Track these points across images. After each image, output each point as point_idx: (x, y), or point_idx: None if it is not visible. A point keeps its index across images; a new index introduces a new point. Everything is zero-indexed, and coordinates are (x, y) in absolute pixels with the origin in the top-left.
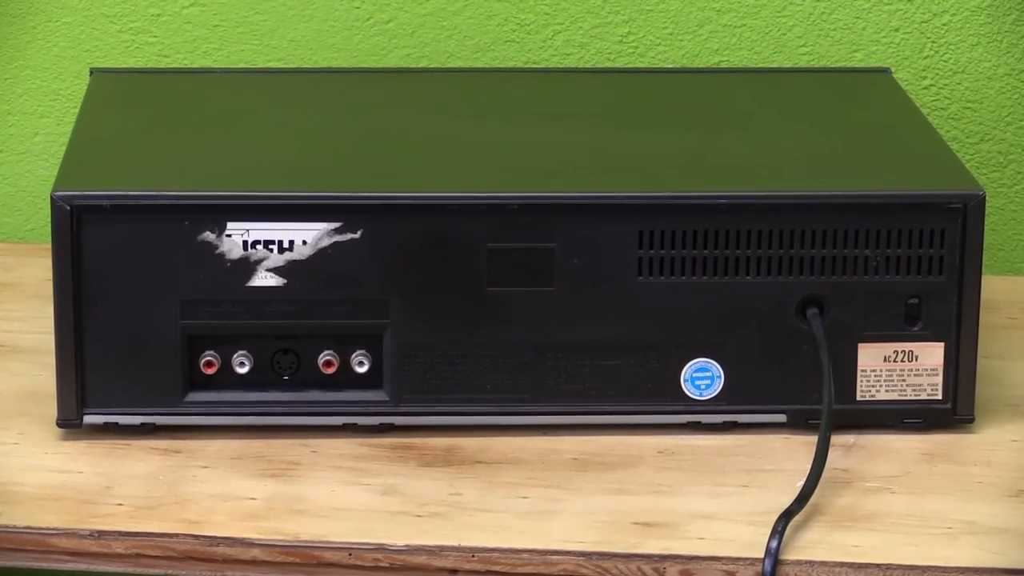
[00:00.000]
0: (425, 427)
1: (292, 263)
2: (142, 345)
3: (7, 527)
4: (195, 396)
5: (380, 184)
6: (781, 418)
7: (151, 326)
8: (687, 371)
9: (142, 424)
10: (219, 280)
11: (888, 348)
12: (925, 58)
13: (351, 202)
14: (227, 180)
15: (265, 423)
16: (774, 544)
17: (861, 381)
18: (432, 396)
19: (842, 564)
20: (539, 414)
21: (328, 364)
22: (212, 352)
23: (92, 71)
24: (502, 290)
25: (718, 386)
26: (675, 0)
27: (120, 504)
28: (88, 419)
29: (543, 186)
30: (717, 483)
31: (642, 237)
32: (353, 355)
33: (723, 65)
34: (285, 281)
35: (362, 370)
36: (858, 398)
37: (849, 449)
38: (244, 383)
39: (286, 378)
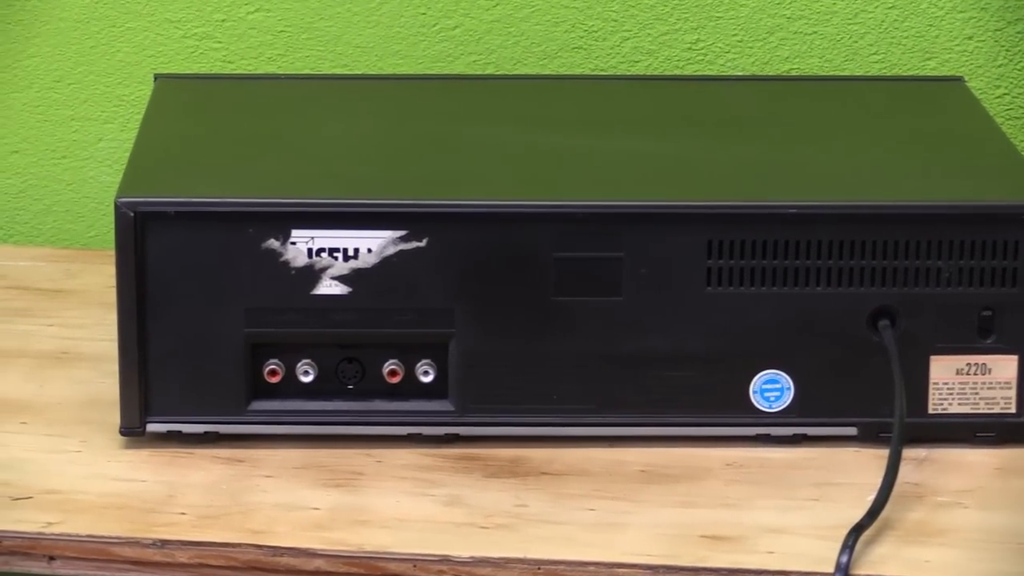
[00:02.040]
0: (490, 437)
1: (357, 271)
2: (206, 353)
3: (69, 536)
4: (259, 405)
5: (446, 192)
6: (852, 431)
7: (215, 334)
8: (756, 383)
9: (205, 433)
10: (283, 288)
11: (960, 361)
12: (999, 66)
13: (417, 210)
14: (292, 187)
15: (329, 432)
16: (844, 559)
17: (933, 394)
18: (498, 406)
19: None
20: (606, 425)
21: (393, 373)
22: (276, 361)
23: (156, 77)
24: (569, 300)
25: (788, 398)
26: (745, 7)
27: (183, 513)
28: (151, 427)
29: (611, 195)
30: (787, 496)
31: (711, 247)
32: (418, 364)
33: (793, 73)
34: (350, 289)
35: (427, 380)
36: (930, 411)
37: (921, 463)
38: (308, 392)
39: (350, 387)
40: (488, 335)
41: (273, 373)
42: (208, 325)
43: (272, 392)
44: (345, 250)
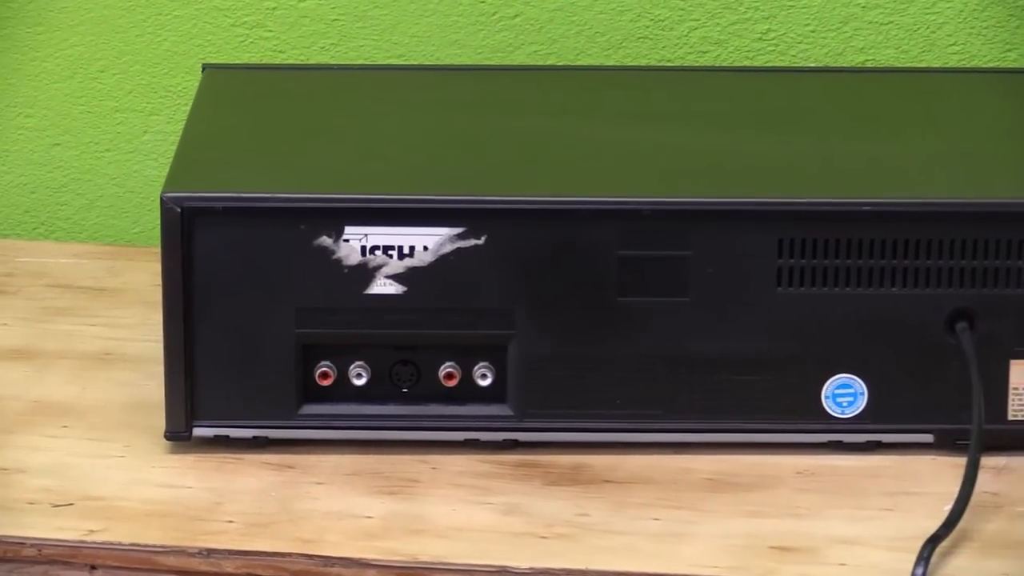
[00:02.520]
0: (551, 444)
1: (412, 270)
2: (255, 355)
3: (112, 544)
4: (310, 409)
5: (506, 188)
6: (928, 438)
7: (264, 335)
8: (828, 387)
9: (254, 437)
10: (336, 287)
11: None
12: None
13: (475, 206)
14: (345, 182)
15: (382, 438)
16: (920, 572)
17: (1013, 400)
18: (558, 411)
19: None
20: (671, 431)
21: (449, 377)
22: (328, 363)
23: (204, 67)
24: (633, 300)
25: (861, 403)
26: None
27: (230, 521)
28: (197, 432)
29: (678, 191)
30: (859, 506)
31: (782, 245)
32: (476, 367)
33: (868, 64)
34: (405, 289)
35: (485, 383)
36: (1009, 418)
37: (999, 472)
38: (361, 395)
39: (405, 391)
40: (549, 337)
41: (324, 376)
42: (257, 325)
43: (323, 395)
44: (400, 248)
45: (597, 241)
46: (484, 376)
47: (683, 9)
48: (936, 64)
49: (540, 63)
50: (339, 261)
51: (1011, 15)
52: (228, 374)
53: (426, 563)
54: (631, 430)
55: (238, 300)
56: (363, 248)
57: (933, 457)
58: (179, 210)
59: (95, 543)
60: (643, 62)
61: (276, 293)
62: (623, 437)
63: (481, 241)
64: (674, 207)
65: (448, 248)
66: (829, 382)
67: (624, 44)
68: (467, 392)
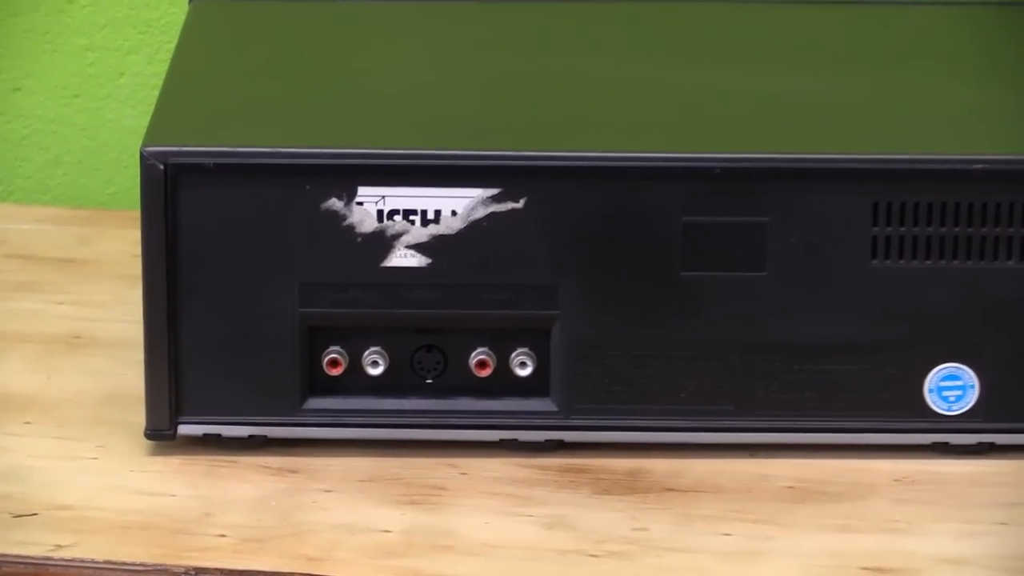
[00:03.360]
0: (602, 445)
1: (438, 239)
2: (251, 339)
3: (83, 561)
4: (316, 403)
5: (549, 142)
6: None
7: (263, 316)
8: (933, 379)
9: (250, 437)
10: (347, 259)
11: None
12: None
13: (513, 164)
14: (358, 135)
15: (403, 437)
16: None
17: None
18: (611, 406)
19: None
20: (746, 430)
21: (482, 365)
22: (338, 348)
23: None
24: (700, 275)
25: (971, 398)
26: None
27: (222, 535)
28: (184, 429)
29: (752, 146)
30: (969, 520)
31: (877, 210)
32: (513, 354)
33: None
34: (429, 261)
35: (524, 373)
36: None
37: None
38: (377, 387)
39: (429, 381)
40: (600, 318)
41: (334, 364)
42: (255, 304)
43: (332, 387)
44: (423, 212)
45: (658, 205)
46: (523, 365)
47: None
48: None
49: None
50: (351, 228)
51: None
52: (220, 361)
53: None
54: (697, 429)
55: (232, 274)
56: (379, 213)
57: None
58: (162, 167)
59: (63, 560)
60: None
61: (277, 266)
62: (688, 437)
63: (520, 205)
64: (749, 165)
65: (480, 213)
66: (933, 373)
67: None
68: (503, 384)
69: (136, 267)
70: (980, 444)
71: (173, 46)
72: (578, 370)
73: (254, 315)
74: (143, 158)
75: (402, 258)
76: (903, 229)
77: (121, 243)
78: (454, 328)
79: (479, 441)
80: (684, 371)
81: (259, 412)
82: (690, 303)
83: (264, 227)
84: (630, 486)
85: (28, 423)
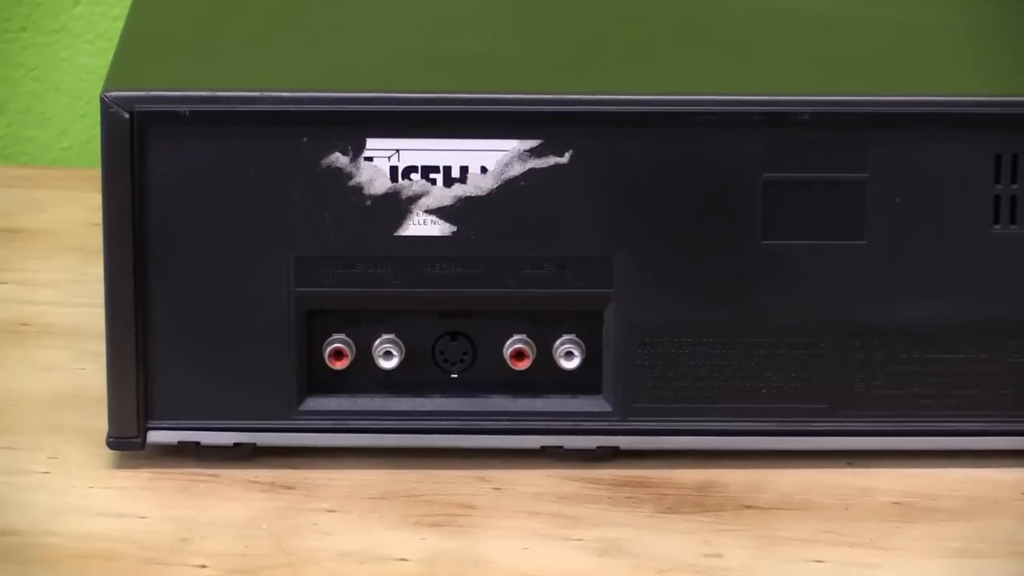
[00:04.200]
0: (667, 452)
1: (465, 202)
2: (237, 326)
3: None
4: (316, 403)
5: (599, 83)
6: None
7: (251, 297)
8: None
9: (236, 445)
10: (354, 227)
11: None
12: None
13: (556, 109)
14: (365, 75)
15: (422, 444)
16: None
17: None
18: (677, 406)
19: None
20: (841, 434)
21: (519, 356)
22: (343, 337)
23: None
24: (786, 245)
25: None
26: None
27: (203, 566)
28: (155, 436)
29: (849, 86)
30: None
31: (1000, 165)
32: (557, 343)
33: None
34: (454, 229)
35: (570, 365)
36: None
37: None
38: (391, 383)
39: (454, 376)
40: (663, 298)
41: (338, 355)
42: (241, 283)
43: (336, 384)
44: (447, 170)
45: (733, 159)
46: (570, 355)
47: None
48: None
49: None
50: (359, 189)
51: None
52: (199, 354)
53: None
54: (782, 432)
55: (213, 246)
56: (393, 170)
57: None
58: (127, 116)
59: None
60: None
61: (268, 236)
62: (770, 443)
63: (564, 159)
64: (845, 109)
65: (516, 170)
66: None
67: None
68: (545, 379)
69: (96, 238)
70: None
71: None
72: (637, 362)
73: (240, 296)
74: (104, 105)
75: (421, 226)
76: None
77: (77, 209)
78: (485, 311)
79: (516, 449)
80: (766, 362)
81: (247, 415)
82: (773, 279)
83: (252, 189)
84: (700, 503)
85: None
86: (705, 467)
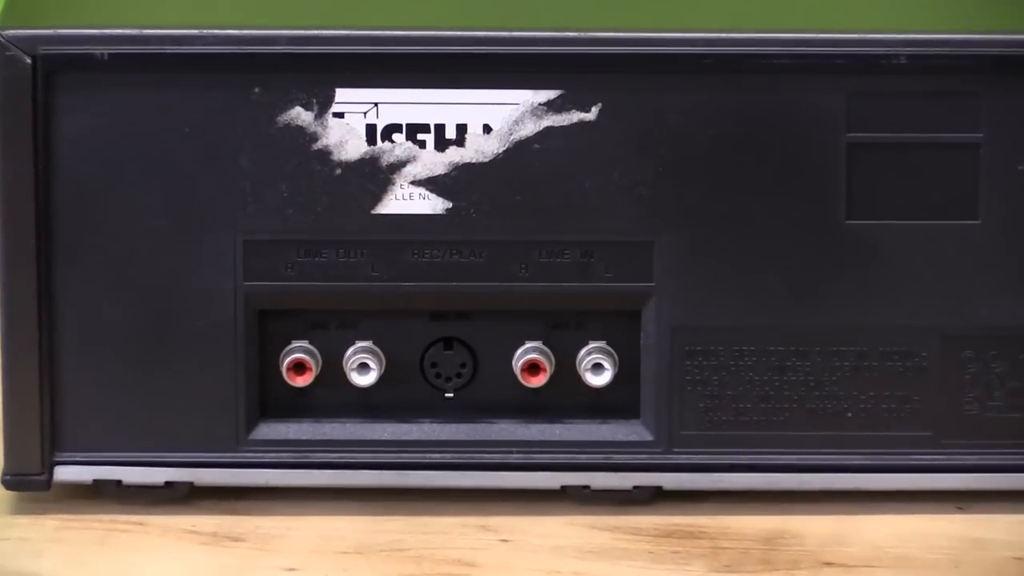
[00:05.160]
0: (723, 494)
1: (463, 170)
2: (168, 331)
3: None
4: (271, 430)
5: (633, 18)
6: None
7: (186, 294)
8: None
9: (169, 484)
10: (319, 203)
11: None
12: None
13: (578, 51)
14: (334, 9)
15: (408, 484)
16: None
17: None
18: (737, 434)
19: None
20: (949, 469)
21: (533, 370)
22: (305, 345)
23: None
24: (876, 225)
25: None
26: None
27: None
28: (64, 473)
29: (957, 23)
30: None
31: None
32: (582, 353)
33: None
34: (449, 206)
35: (600, 381)
36: None
37: None
38: (368, 406)
39: (450, 396)
40: (718, 293)
41: (299, 369)
42: (173, 276)
43: (297, 406)
44: (440, 129)
45: (809, 115)
46: (598, 369)
47: None
48: None
49: None
50: (326, 154)
51: None
52: (119, 367)
53: None
54: (872, 468)
55: (137, 228)
56: (370, 130)
57: None
58: (29, 60)
59: None
60: None
61: (208, 215)
62: (858, 481)
63: (591, 115)
64: (953, 51)
65: (529, 129)
66: None
67: None
68: (566, 399)
69: None
70: None
71: None
72: (685, 377)
73: (173, 294)
74: (0, 47)
75: (406, 201)
76: None
77: None
78: (489, 311)
79: (529, 489)
80: (851, 377)
81: (182, 446)
82: (860, 269)
83: (188, 154)
84: (767, 559)
85: None
86: (773, 513)
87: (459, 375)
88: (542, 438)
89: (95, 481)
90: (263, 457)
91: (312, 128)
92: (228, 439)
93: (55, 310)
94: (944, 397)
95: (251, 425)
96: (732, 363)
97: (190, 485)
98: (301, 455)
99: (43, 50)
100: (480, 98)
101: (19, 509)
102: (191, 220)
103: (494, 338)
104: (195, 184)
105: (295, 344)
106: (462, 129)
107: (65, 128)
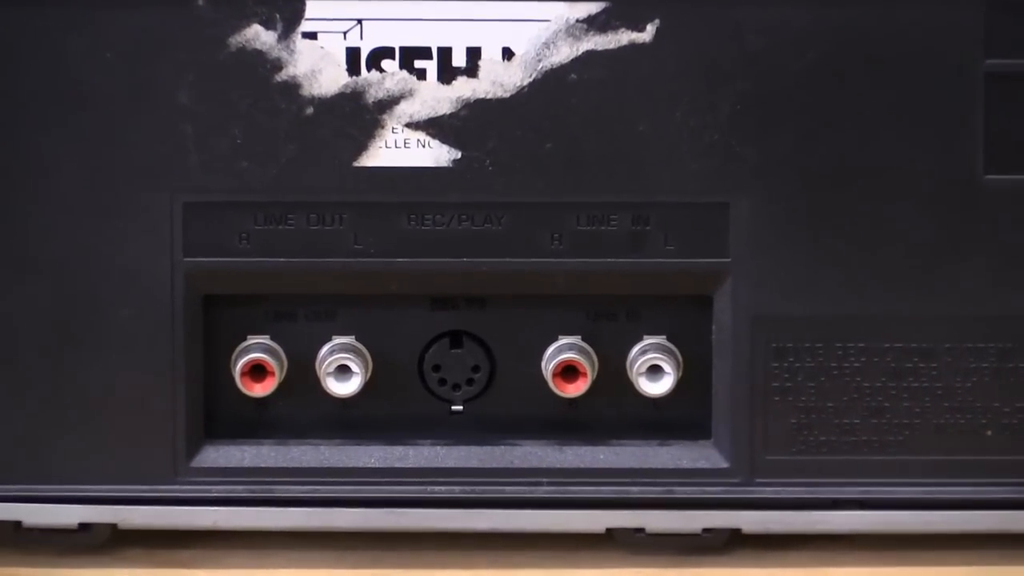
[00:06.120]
0: (819, 540)
1: (475, 109)
2: (84, 325)
3: None
4: (220, 455)
5: None
6: None
7: (107, 274)
8: None
9: (83, 527)
10: (284, 151)
11: None
12: None
13: None
14: None
15: (403, 527)
16: None
17: None
18: (838, 459)
19: None
20: None
21: (569, 374)
22: (265, 342)
23: None
24: (1019, 180)
25: None
26: None
27: None
28: None
29: None
30: None
31: None
32: (635, 352)
33: None
34: (457, 156)
35: (657, 389)
36: None
37: None
38: (348, 421)
39: (458, 409)
40: (815, 273)
41: (258, 373)
42: (91, 250)
43: (255, 422)
44: (444, 54)
45: (935, 39)
46: (656, 372)
47: None
48: None
49: None
50: (293, 87)
51: None
52: (20, 374)
53: None
54: (1020, 503)
55: (44, 188)
56: (352, 55)
57: None
58: None
59: None
60: None
61: (136, 168)
62: (1003, 520)
63: (645, 36)
64: None
65: (564, 54)
66: None
67: None
68: (613, 412)
69: None
70: None
71: None
72: (771, 383)
73: (91, 273)
74: None
75: (400, 150)
76: None
77: None
78: (510, 298)
79: (564, 533)
80: (992, 383)
81: (102, 476)
82: (1002, 239)
83: (110, 88)
84: None
85: None
86: (890, 563)
87: (470, 382)
88: (581, 465)
89: None
90: (209, 491)
91: (275, 53)
92: (163, 467)
93: None
94: None
95: (194, 448)
96: (834, 365)
97: (112, 528)
98: (260, 488)
99: None
100: (498, 12)
101: None
102: (114, 177)
103: (517, 333)
104: (119, 128)
105: (252, 340)
106: (474, 54)
107: None
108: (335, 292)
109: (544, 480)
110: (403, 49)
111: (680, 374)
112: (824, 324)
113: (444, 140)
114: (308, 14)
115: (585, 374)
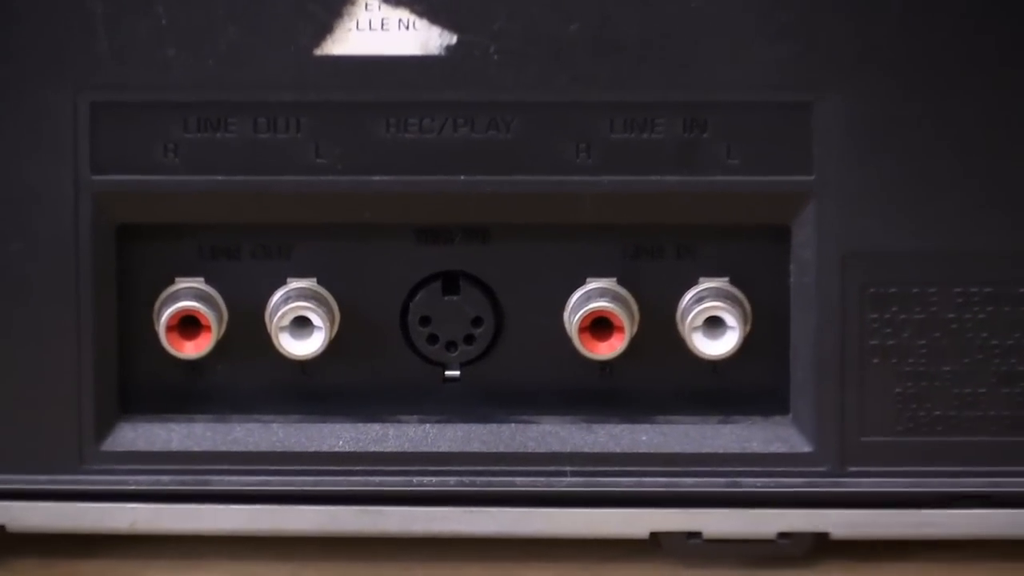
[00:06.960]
0: (930, 546)
1: None
2: None
3: None
4: (139, 436)
5: None
6: None
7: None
8: None
9: None
10: (224, 35)
11: None
12: None
13: None
14: None
15: (380, 531)
16: None
17: None
18: (954, 441)
19: None
20: None
21: (600, 328)
22: (199, 286)
23: None
24: None
25: None
26: None
27: None
28: None
29: None
30: None
31: None
32: (688, 300)
33: None
34: (451, 40)
35: (717, 348)
36: None
37: None
38: (308, 393)
39: (452, 374)
40: (925, 197)
41: (189, 327)
42: None
43: (184, 392)
44: None
45: None
46: (716, 326)
47: None
48: None
49: None
50: None
51: None
52: None
53: None
54: None
55: None
56: None
57: None
58: None
59: None
60: None
61: (28, 58)
62: None
63: None
64: None
65: None
66: None
67: None
68: (659, 379)
69: None
70: None
71: None
72: (868, 341)
73: None
74: None
75: (374, 32)
76: None
77: None
78: (521, 228)
79: (596, 539)
80: None
81: None
82: None
83: None
84: None
85: None
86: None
87: (469, 339)
88: (616, 449)
89: None
90: (125, 482)
91: None
92: (65, 451)
93: None
94: None
95: (105, 427)
96: (951, 317)
97: (1, 529)
98: (192, 479)
99: None
100: None
101: None
102: (5, 70)
103: (530, 275)
104: (4, 5)
105: (182, 285)
106: None
107: None
108: (290, 221)
109: (568, 469)
110: None
111: (748, 329)
112: (938, 263)
113: (434, 20)
114: None
115: (622, 329)
